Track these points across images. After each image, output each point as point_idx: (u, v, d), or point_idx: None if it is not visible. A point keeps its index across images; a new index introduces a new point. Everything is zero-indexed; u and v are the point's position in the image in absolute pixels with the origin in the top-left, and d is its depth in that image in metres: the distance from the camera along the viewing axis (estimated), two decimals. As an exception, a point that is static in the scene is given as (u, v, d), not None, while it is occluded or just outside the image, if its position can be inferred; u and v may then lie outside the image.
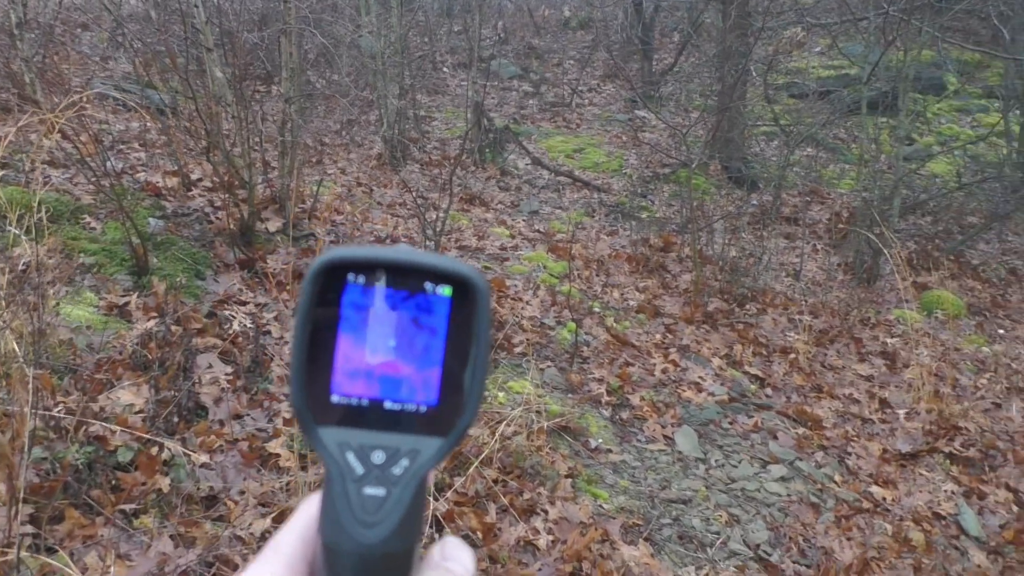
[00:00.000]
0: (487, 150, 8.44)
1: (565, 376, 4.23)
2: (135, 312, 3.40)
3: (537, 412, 3.46)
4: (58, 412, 2.34)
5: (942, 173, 9.41)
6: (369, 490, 0.40)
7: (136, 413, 2.67)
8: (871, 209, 6.79)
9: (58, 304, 3.03)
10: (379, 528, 0.39)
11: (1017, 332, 6.67)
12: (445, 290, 0.42)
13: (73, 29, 10.13)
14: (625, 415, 4.07)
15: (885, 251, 6.06)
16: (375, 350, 0.42)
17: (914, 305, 6.71)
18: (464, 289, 0.42)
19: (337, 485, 0.40)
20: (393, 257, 0.42)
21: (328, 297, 0.41)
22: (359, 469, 0.40)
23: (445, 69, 12.34)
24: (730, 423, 4.27)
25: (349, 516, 0.39)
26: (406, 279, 0.42)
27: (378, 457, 0.41)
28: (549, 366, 4.32)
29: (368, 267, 0.42)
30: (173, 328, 3.22)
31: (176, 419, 2.73)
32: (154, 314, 3.37)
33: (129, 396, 2.73)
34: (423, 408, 0.42)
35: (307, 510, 0.43)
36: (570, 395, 4.06)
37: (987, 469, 4.30)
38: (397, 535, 0.40)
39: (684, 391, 4.46)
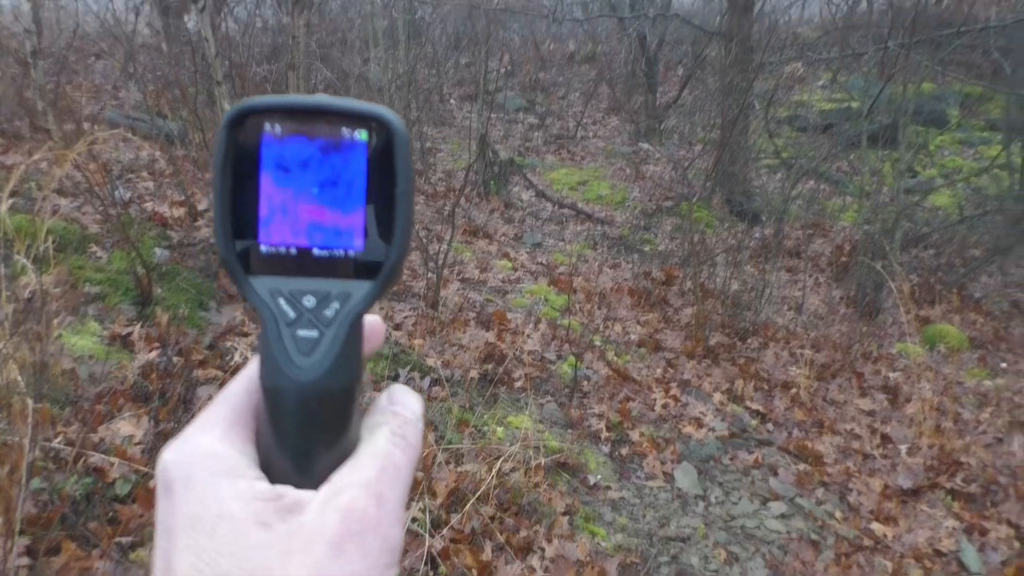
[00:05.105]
0: (492, 182, 8.51)
1: (564, 411, 4.23)
2: (138, 342, 3.43)
3: (535, 448, 3.46)
4: (58, 443, 2.35)
5: (944, 206, 9.44)
6: (303, 332, 0.41)
7: (135, 444, 2.68)
8: (873, 242, 6.81)
9: (60, 335, 3.06)
10: (315, 368, 0.40)
11: (1019, 365, 6.64)
12: (362, 134, 0.42)
13: (86, 58, 10.30)
14: (625, 451, 4.06)
15: (889, 282, 6.07)
16: (298, 199, 0.42)
17: (916, 339, 6.71)
18: (382, 131, 0.42)
19: (272, 330, 0.41)
20: (307, 103, 0.42)
21: (246, 148, 0.42)
22: (291, 313, 0.41)
23: (452, 101, 12.47)
24: (731, 459, 4.25)
25: (285, 358, 0.41)
26: (322, 125, 0.42)
27: (309, 301, 0.42)
28: (549, 401, 4.32)
29: (282, 114, 0.42)
30: (175, 359, 3.25)
31: (175, 451, 2.74)
32: (156, 345, 3.40)
33: (129, 427, 2.75)
34: (351, 253, 0.43)
35: (253, 364, 0.44)
36: (569, 430, 4.06)
37: (988, 505, 4.27)
38: (332, 373, 0.41)
39: (685, 426, 4.45)
